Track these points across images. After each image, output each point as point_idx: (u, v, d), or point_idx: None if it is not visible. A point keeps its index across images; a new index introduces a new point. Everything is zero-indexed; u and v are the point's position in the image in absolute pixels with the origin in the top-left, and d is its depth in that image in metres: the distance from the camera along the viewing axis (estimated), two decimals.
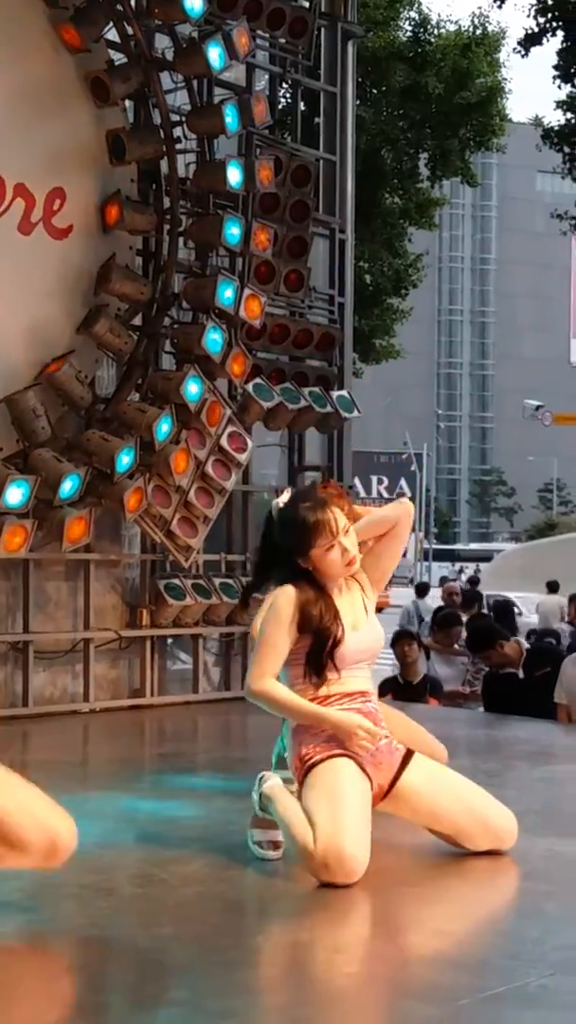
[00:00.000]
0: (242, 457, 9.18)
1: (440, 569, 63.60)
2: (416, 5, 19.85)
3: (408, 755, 4.49)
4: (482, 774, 5.20)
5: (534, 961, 3.45)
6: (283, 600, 4.44)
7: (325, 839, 4.07)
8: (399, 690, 9.48)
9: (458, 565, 60.32)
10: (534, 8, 17.38)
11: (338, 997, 3.19)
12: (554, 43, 17.64)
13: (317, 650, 4.40)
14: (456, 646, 10.80)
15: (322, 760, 4.32)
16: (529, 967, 3.38)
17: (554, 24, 17.23)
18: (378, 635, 4.64)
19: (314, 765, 4.33)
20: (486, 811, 4.50)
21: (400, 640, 9.82)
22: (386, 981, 3.37)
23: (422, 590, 19.83)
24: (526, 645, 9.24)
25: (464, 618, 11.81)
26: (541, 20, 17.36)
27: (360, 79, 16.19)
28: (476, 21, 19.76)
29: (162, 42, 8.97)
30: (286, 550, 4.52)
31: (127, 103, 8.98)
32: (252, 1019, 2.95)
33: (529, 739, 6.08)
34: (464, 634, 10.52)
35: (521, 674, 8.43)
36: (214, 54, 8.59)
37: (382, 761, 4.42)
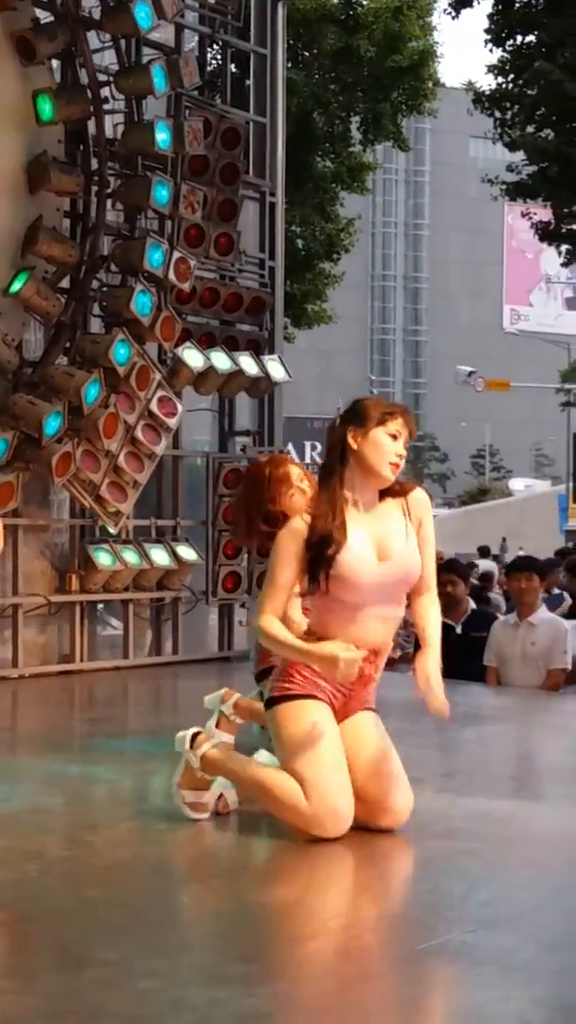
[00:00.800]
0: (172, 422, 9.15)
1: None
2: None
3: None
4: (411, 735, 5.23)
5: (458, 918, 3.49)
6: (287, 533, 4.24)
7: (318, 798, 4.07)
8: None
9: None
10: None
11: (262, 956, 3.21)
12: (485, 6, 17.66)
13: (314, 558, 4.16)
14: None
15: (294, 698, 4.22)
16: (452, 924, 3.42)
17: None
18: (404, 564, 4.27)
19: (284, 699, 4.23)
20: (390, 793, 4.33)
21: None
22: (310, 939, 3.39)
23: None
24: (472, 605, 9.21)
25: None
26: None
27: (291, 41, 16.09)
28: None
29: (89, 1, 8.86)
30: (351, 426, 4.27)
31: (54, 62, 8.87)
32: (178, 979, 2.96)
33: (459, 701, 6.13)
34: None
35: (459, 629, 8.41)
36: (142, 13, 8.51)
37: (352, 698, 4.33)
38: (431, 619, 4.43)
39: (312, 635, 4.26)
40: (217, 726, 4.74)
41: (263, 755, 4.56)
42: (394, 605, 4.35)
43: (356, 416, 4.29)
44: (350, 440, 4.25)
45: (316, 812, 4.07)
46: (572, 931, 3.46)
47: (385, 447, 4.23)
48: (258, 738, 4.97)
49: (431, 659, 4.30)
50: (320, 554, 4.15)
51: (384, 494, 4.35)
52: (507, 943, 3.31)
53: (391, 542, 4.27)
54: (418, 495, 4.40)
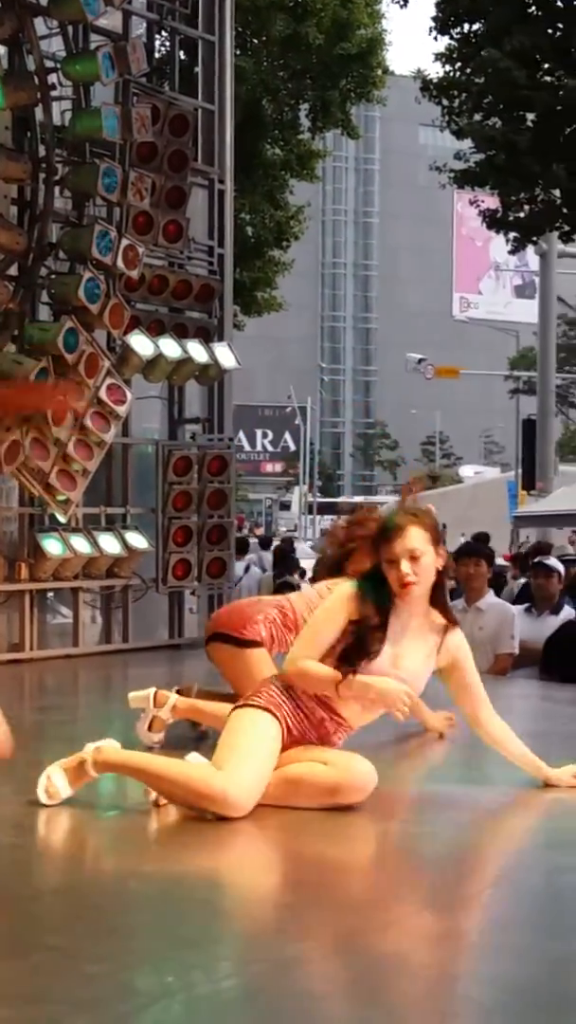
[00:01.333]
0: (121, 409, 9.13)
1: (324, 522, 64.03)
2: None
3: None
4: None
5: (407, 898, 3.53)
6: (340, 597, 4.56)
7: (230, 782, 4.19)
8: None
9: (343, 519, 60.59)
10: None
11: (210, 940, 3.23)
12: None
13: (349, 655, 4.46)
14: None
15: (254, 707, 4.43)
16: (402, 904, 3.46)
17: None
18: (408, 681, 4.55)
19: (245, 707, 4.45)
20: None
21: (282, 592, 9.88)
22: (258, 922, 3.42)
23: (266, 543, 20.41)
24: None
25: None
26: None
27: (239, 28, 16.04)
28: None
29: None
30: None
31: (0, 49, 8.82)
32: (125, 963, 2.98)
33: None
34: None
35: None
36: (89, 0, 8.48)
37: (306, 739, 4.49)
38: (522, 749, 4.80)
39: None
40: (149, 728, 4.85)
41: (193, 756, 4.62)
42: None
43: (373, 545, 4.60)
44: (383, 561, 4.50)
45: (225, 785, 4.18)
46: (515, 911, 3.50)
47: (391, 574, 4.46)
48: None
49: (554, 778, 4.73)
50: (359, 650, 4.45)
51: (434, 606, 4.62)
52: (456, 923, 3.35)
53: (407, 659, 4.53)
54: (455, 639, 4.67)
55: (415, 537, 4.44)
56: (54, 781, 4.42)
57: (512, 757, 4.83)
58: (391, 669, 4.48)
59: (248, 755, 4.30)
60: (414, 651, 4.56)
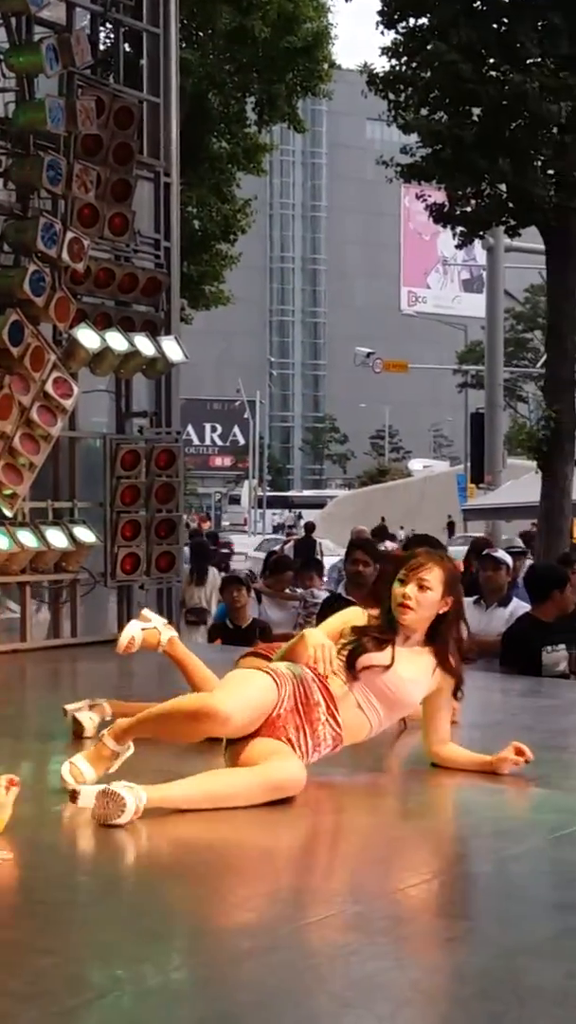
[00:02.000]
0: (68, 403, 9.08)
1: (273, 516, 64.14)
2: None
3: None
4: None
5: (351, 889, 3.54)
6: (344, 613, 4.91)
7: (231, 698, 4.37)
8: (228, 635, 9.54)
9: (296, 511, 60.84)
10: None
11: (161, 933, 3.22)
12: None
13: (354, 647, 4.66)
14: (287, 590, 10.92)
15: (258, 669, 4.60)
16: (346, 895, 3.47)
17: None
18: (404, 695, 4.73)
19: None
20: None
21: (229, 585, 9.89)
22: (208, 915, 3.41)
23: (211, 538, 20.58)
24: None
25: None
26: None
27: (185, 21, 16.02)
28: None
29: None
30: None
31: None
32: (75, 957, 2.96)
33: None
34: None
35: None
36: None
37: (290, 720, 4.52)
38: (459, 757, 4.98)
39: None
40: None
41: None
42: (376, 715, 4.70)
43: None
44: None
45: (214, 699, 4.37)
46: (463, 899, 3.52)
47: (394, 592, 4.72)
48: None
49: (497, 761, 4.84)
50: (356, 653, 4.65)
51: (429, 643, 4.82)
52: (400, 913, 3.36)
53: (403, 665, 4.70)
54: (447, 679, 4.87)
55: (432, 572, 4.72)
56: (78, 764, 4.46)
57: (463, 766, 4.95)
58: (390, 673, 4.65)
59: (241, 684, 4.49)
60: (411, 663, 4.74)
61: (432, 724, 4.97)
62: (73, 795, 4.27)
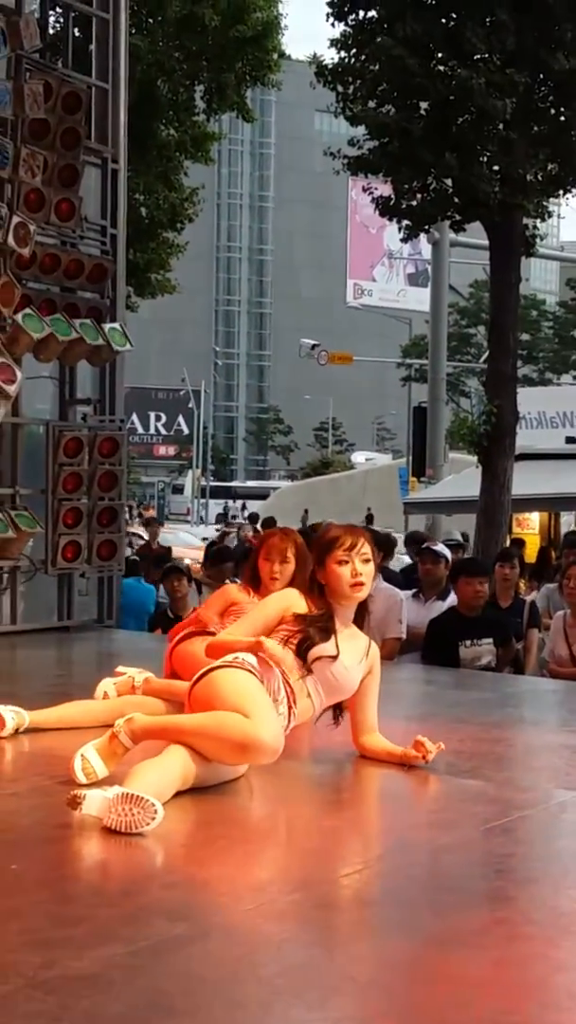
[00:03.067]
0: (11, 389, 9.02)
1: (216, 506, 64.08)
2: None
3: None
4: None
5: (282, 879, 3.56)
6: (284, 598, 4.89)
7: (261, 722, 4.29)
8: (168, 624, 9.53)
9: (240, 502, 60.83)
10: None
11: (92, 919, 3.23)
12: None
13: (303, 639, 4.69)
14: (227, 581, 10.92)
15: (234, 668, 4.53)
16: (277, 885, 3.49)
17: None
18: (347, 682, 4.80)
19: (226, 668, 4.55)
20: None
21: (169, 575, 9.88)
22: (140, 900, 3.42)
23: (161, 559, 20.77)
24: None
25: None
26: None
27: (135, 7, 15.90)
28: None
29: None
30: (315, 564, 4.87)
31: None
32: (6, 944, 2.97)
33: None
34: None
35: None
36: None
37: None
38: (380, 742, 5.02)
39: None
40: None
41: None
42: (319, 701, 4.77)
43: (316, 557, 4.88)
44: (319, 578, 4.83)
45: (259, 730, 4.25)
46: (395, 889, 3.55)
47: (341, 575, 4.74)
48: None
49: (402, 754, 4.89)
50: (308, 639, 4.68)
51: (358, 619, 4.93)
52: (333, 902, 3.39)
53: (345, 655, 4.77)
54: (376, 649, 5.01)
55: (367, 545, 4.79)
56: (90, 760, 4.36)
57: (382, 757, 4.98)
58: (336, 664, 4.71)
59: (263, 703, 4.43)
60: (351, 651, 4.82)
61: (362, 712, 4.98)
62: (73, 801, 3.98)
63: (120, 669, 5.58)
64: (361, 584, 4.75)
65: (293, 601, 4.83)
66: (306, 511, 34.01)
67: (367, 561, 4.77)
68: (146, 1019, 2.60)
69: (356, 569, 4.73)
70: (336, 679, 4.76)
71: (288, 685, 4.63)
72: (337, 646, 4.73)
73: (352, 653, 4.82)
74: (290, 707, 4.62)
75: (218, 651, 4.71)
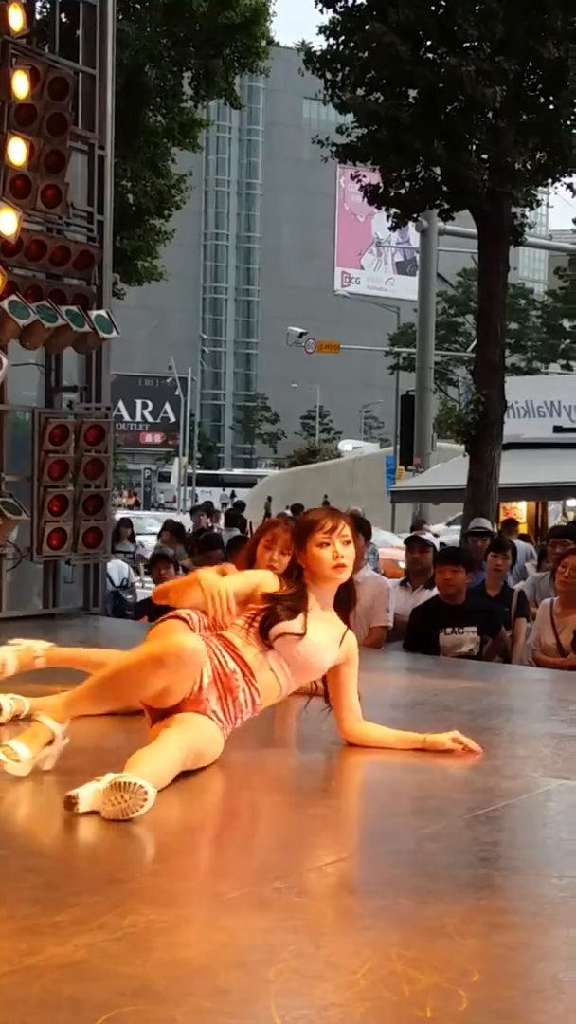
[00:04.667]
0: None
1: (204, 494, 64.06)
2: None
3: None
4: None
5: (270, 866, 3.56)
6: (256, 575, 4.89)
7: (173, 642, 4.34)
8: (157, 612, 9.52)
9: (229, 490, 60.81)
10: None
11: (79, 904, 3.22)
12: None
13: (265, 621, 4.68)
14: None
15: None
16: (264, 872, 3.49)
17: None
18: (316, 660, 4.79)
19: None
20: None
21: (157, 563, 9.88)
22: (113, 891, 3.42)
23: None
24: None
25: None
26: None
27: None
28: None
29: None
30: (294, 545, 4.88)
31: None
32: None
33: None
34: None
35: None
36: None
37: (211, 693, 4.52)
38: (392, 736, 5.03)
39: (227, 643, 4.67)
40: None
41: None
42: (286, 679, 4.76)
43: (295, 538, 4.88)
44: (299, 561, 4.83)
45: (170, 637, 4.36)
46: (379, 877, 3.55)
47: (322, 557, 4.74)
48: None
49: (436, 743, 4.94)
50: (270, 622, 4.67)
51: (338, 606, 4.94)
52: (317, 890, 3.39)
53: (316, 634, 4.76)
54: (353, 638, 5.02)
55: (348, 527, 4.81)
56: (11, 744, 4.28)
57: (389, 745, 4.99)
58: (304, 641, 4.69)
59: (176, 629, 4.50)
60: (323, 632, 4.82)
61: (343, 699, 4.99)
62: (70, 802, 3.90)
63: (14, 640, 5.50)
64: (343, 566, 4.76)
65: (264, 579, 4.82)
66: (269, 498, 34.02)
67: (348, 543, 4.77)
68: (131, 1006, 2.60)
69: (337, 551, 4.74)
70: (303, 656, 4.73)
71: (239, 658, 4.61)
72: (305, 625, 4.71)
73: (323, 634, 4.81)
74: (250, 681, 4.60)
75: (161, 596, 4.94)
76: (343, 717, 5.01)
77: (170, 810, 4.13)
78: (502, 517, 20.97)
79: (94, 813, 3.86)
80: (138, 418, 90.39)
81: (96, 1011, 2.55)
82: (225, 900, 3.26)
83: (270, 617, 4.69)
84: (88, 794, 3.90)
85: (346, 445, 71.10)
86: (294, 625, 4.70)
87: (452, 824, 4.09)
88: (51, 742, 4.31)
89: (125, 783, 3.84)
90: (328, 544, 4.74)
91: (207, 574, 4.77)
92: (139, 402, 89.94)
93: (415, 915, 3.21)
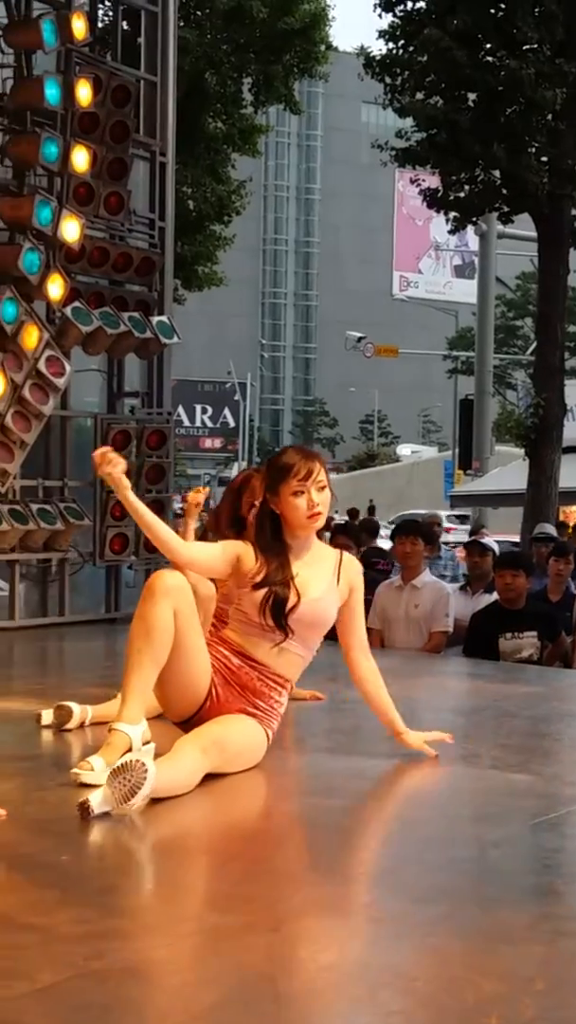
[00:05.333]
0: (60, 381, 9.09)
1: None
2: None
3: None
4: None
5: (330, 872, 3.57)
6: (237, 545, 4.68)
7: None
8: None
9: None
10: None
11: (142, 910, 3.25)
12: None
13: (275, 611, 4.54)
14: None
15: None
16: (324, 877, 3.50)
17: None
18: (322, 614, 4.67)
19: None
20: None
21: None
22: (189, 893, 3.44)
23: None
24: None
25: None
26: None
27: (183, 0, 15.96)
28: None
29: None
30: (265, 490, 4.67)
31: None
32: (56, 934, 2.99)
33: (341, 663, 6.28)
34: None
35: None
36: None
37: (229, 692, 4.53)
38: (383, 696, 4.89)
39: (226, 641, 4.64)
40: None
41: None
42: (302, 646, 4.67)
43: (267, 483, 4.66)
44: (272, 507, 4.62)
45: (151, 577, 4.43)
46: (442, 884, 3.55)
47: (297, 506, 4.55)
48: None
49: (411, 735, 4.88)
50: (279, 610, 4.54)
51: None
52: (380, 896, 3.39)
53: (312, 585, 4.63)
54: (353, 563, 4.83)
55: (321, 471, 4.61)
56: (89, 760, 4.30)
57: (370, 703, 4.93)
58: (303, 602, 4.57)
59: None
60: (316, 578, 4.66)
61: (351, 630, 4.85)
62: (84, 809, 3.89)
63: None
64: (318, 515, 4.58)
65: (242, 551, 4.63)
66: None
67: (323, 489, 4.58)
68: (194, 1011, 2.62)
69: (312, 500, 4.55)
70: (309, 618, 4.62)
71: (238, 653, 4.59)
72: (297, 590, 4.58)
73: (318, 581, 4.66)
74: (256, 667, 4.59)
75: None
76: (351, 644, 4.88)
77: (226, 815, 4.15)
78: (561, 520, 20.84)
79: (122, 804, 3.88)
80: (198, 423, 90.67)
81: (159, 1018, 2.57)
82: (286, 906, 3.27)
83: (276, 603, 4.55)
84: (97, 795, 3.91)
85: (404, 449, 70.91)
86: (292, 596, 4.57)
87: (514, 831, 4.07)
88: (130, 749, 4.26)
89: (121, 765, 3.87)
90: (303, 492, 4.54)
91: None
92: (199, 407, 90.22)
93: (478, 922, 3.20)
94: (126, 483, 4.51)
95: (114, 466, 4.50)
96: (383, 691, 4.91)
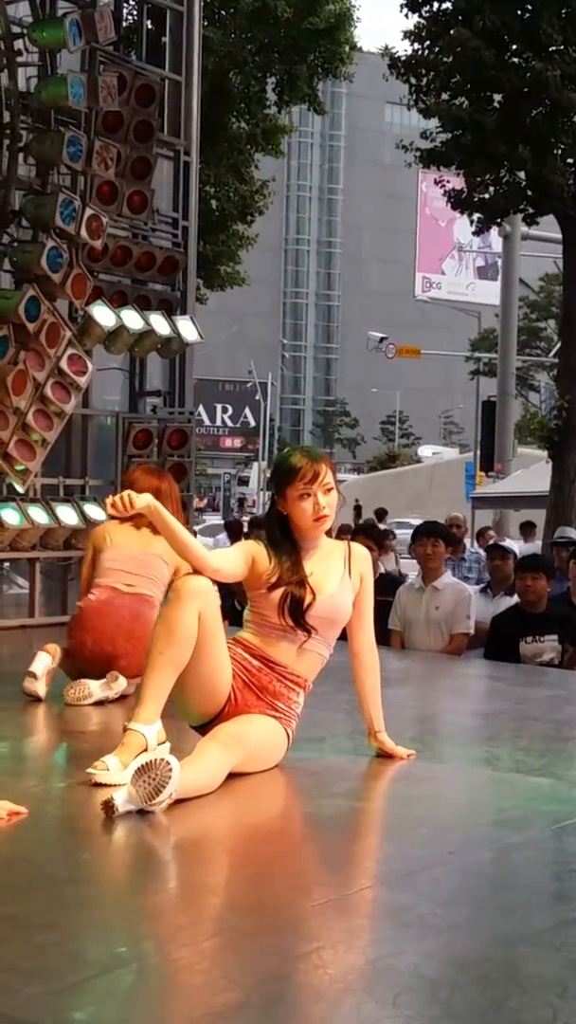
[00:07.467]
0: (82, 380, 9.09)
1: None
2: None
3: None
4: (315, 696, 5.28)
5: (355, 874, 3.55)
6: (250, 545, 4.67)
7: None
8: (236, 616, 9.53)
9: None
10: None
11: (163, 912, 3.24)
12: None
13: (293, 611, 4.55)
14: None
15: None
16: (350, 879, 3.48)
17: None
18: (339, 609, 4.68)
19: None
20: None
21: None
22: (211, 894, 3.43)
23: None
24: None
25: None
26: None
27: None
28: None
29: None
30: (272, 492, 4.70)
31: None
32: (77, 934, 2.98)
33: None
34: None
35: None
36: None
37: (249, 695, 4.54)
38: (375, 688, 4.90)
39: (243, 644, 4.62)
40: None
41: None
42: (323, 644, 4.67)
43: (274, 485, 4.69)
44: (280, 509, 4.63)
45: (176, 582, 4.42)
46: (463, 887, 3.53)
47: (304, 509, 4.56)
48: None
49: (385, 742, 4.88)
50: (297, 609, 4.55)
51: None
52: (402, 899, 3.37)
53: (326, 580, 4.65)
54: (361, 551, 4.84)
55: (328, 473, 4.61)
56: (104, 759, 4.30)
57: (359, 689, 4.93)
58: (319, 600, 4.58)
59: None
60: (329, 574, 4.67)
61: (359, 618, 4.83)
62: (109, 808, 3.87)
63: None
64: (324, 517, 4.58)
65: (256, 552, 4.61)
66: (357, 502, 33.70)
67: (330, 491, 4.59)
68: (217, 1011, 2.60)
69: (319, 503, 4.55)
70: (327, 614, 4.64)
71: (257, 656, 4.58)
72: (311, 588, 4.59)
73: (331, 575, 4.67)
74: (274, 668, 4.58)
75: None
76: (356, 627, 4.85)
77: (246, 816, 4.14)
78: None
79: (151, 803, 3.88)
80: (218, 422, 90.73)
81: (181, 1017, 2.56)
82: (309, 907, 3.26)
83: (295, 602, 4.56)
84: (122, 794, 3.89)
85: (425, 450, 70.78)
86: (307, 596, 4.57)
87: (536, 834, 4.05)
88: (145, 749, 4.26)
89: (146, 763, 3.86)
90: (309, 495, 4.55)
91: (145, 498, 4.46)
92: (219, 406, 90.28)
93: (500, 926, 3.18)
94: (158, 505, 4.43)
95: (139, 502, 4.36)
96: (376, 683, 4.92)
